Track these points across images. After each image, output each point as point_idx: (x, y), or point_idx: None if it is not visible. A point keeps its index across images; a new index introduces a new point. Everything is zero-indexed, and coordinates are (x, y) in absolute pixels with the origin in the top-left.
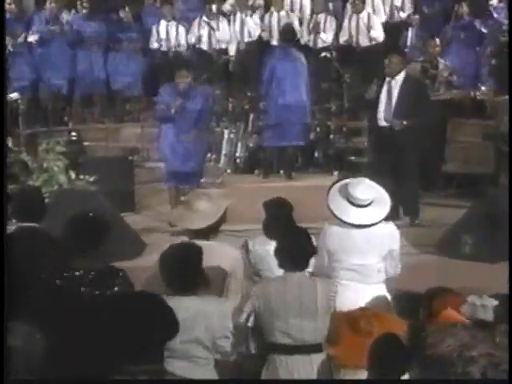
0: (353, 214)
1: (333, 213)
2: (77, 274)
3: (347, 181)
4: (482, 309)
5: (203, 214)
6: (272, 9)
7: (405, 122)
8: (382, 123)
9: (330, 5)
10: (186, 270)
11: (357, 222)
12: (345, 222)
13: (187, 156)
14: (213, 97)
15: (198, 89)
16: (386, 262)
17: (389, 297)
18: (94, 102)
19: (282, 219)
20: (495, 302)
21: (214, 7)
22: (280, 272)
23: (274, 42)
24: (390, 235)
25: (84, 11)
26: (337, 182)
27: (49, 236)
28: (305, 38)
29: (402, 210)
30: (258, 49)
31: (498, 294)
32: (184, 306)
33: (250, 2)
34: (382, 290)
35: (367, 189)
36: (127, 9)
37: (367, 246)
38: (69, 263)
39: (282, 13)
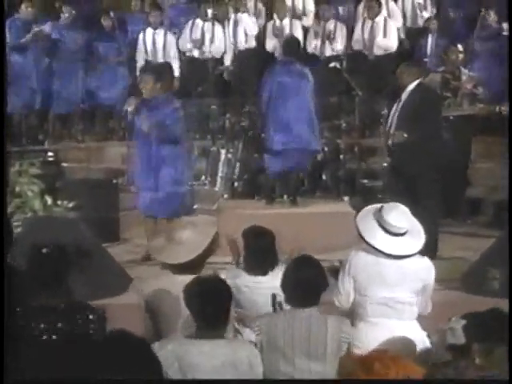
0: (387, 243)
1: (361, 235)
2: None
3: (380, 205)
4: (451, 332)
5: (187, 245)
6: (275, 16)
7: (405, 135)
8: (389, 142)
9: (340, 9)
10: (218, 308)
11: (393, 252)
12: (373, 247)
13: (160, 180)
14: (207, 112)
15: (168, 99)
16: (419, 297)
17: (424, 335)
18: (74, 118)
19: (262, 250)
20: (463, 322)
21: (209, 12)
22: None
23: (277, 54)
24: (425, 269)
25: (63, 18)
26: (353, 206)
27: (14, 270)
28: (312, 46)
29: None
30: (257, 57)
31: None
32: (213, 353)
33: (251, 10)
34: (414, 328)
35: (403, 216)
36: (112, 14)
37: (400, 279)
38: (32, 301)
39: (286, 21)
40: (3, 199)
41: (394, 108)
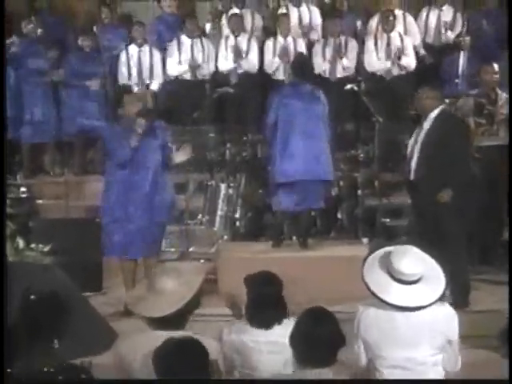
0: (397, 293)
1: (370, 289)
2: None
3: (389, 249)
4: None
5: (169, 296)
6: (278, 33)
7: (450, 192)
8: (411, 176)
9: (349, 24)
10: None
11: (403, 304)
12: (386, 303)
13: (142, 216)
14: (206, 141)
15: (155, 124)
16: (443, 354)
17: None
18: (49, 148)
19: (268, 300)
20: None
21: (207, 27)
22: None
23: (281, 76)
24: (446, 319)
25: (34, 35)
26: (373, 250)
27: None
28: (319, 66)
29: (449, 289)
30: (260, 79)
31: None
32: None
33: (249, 25)
34: None
35: (415, 260)
36: (94, 29)
37: (416, 334)
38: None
39: (289, 38)
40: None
41: (414, 137)
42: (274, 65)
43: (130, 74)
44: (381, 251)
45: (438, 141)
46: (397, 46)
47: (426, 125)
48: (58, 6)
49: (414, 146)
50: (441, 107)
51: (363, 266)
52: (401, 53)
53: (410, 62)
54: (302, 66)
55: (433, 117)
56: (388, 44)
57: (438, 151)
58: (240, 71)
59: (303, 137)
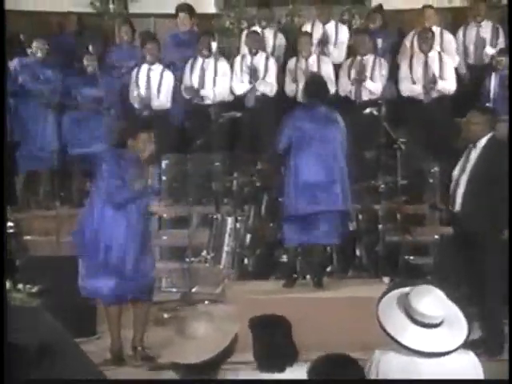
0: (416, 336)
1: (385, 331)
2: None
3: (407, 289)
4: None
5: (202, 342)
6: (299, 53)
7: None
8: (456, 208)
9: (379, 42)
10: None
11: (422, 349)
12: (403, 346)
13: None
14: (210, 170)
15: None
16: None
17: None
18: (41, 178)
19: (275, 343)
20: None
21: (213, 46)
22: None
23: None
24: (469, 369)
25: (36, 55)
26: (390, 289)
27: None
28: (344, 88)
29: (481, 334)
30: (275, 103)
31: None
32: None
33: (270, 44)
34: None
35: (437, 302)
36: (92, 49)
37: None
38: None
39: (312, 58)
40: None
41: (459, 168)
42: (293, 87)
43: (138, 96)
44: (396, 291)
45: (488, 174)
46: (435, 67)
47: (475, 154)
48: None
49: (460, 176)
50: (490, 134)
51: (378, 306)
52: (440, 75)
53: (449, 84)
54: (316, 86)
55: (482, 145)
56: (425, 65)
57: (489, 185)
58: (256, 94)
59: (317, 163)
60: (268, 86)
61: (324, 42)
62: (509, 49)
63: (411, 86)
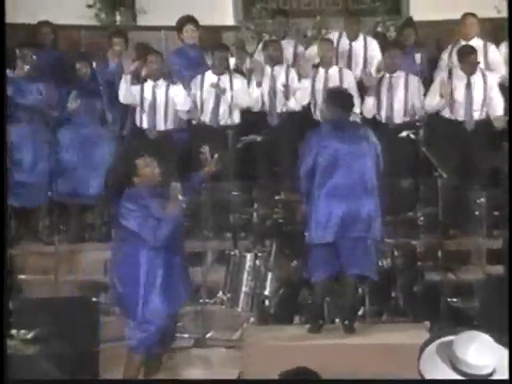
0: None
1: None
2: None
3: (450, 337)
4: None
5: None
6: (319, 64)
7: None
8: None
9: (418, 57)
10: None
11: None
12: None
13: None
14: (227, 201)
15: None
16: None
17: None
18: (37, 210)
19: None
20: None
21: (231, 61)
22: None
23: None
24: None
25: (23, 68)
26: (433, 338)
27: None
28: (370, 108)
29: None
30: (299, 124)
31: None
32: None
33: (290, 57)
34: None
35: (485, 349)
36: (94, 65)
37: None
38: None
39: (333, 70)
40: None
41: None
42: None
43: (143, 114)
44: (438, 340)
45: None
46: (478, 90)
47: None
48: (61, 39)
49: None
50: None
51: (420, 356)
52: (485, 97)
53: (494, 108)
54: (341, 97)
55: None
56: (467, 87)
57: None
58: (278, 111)
59: (347, 185)
60: (293, 101)
61: (350, 57)
62: (509, 49)
63: (435, 101)
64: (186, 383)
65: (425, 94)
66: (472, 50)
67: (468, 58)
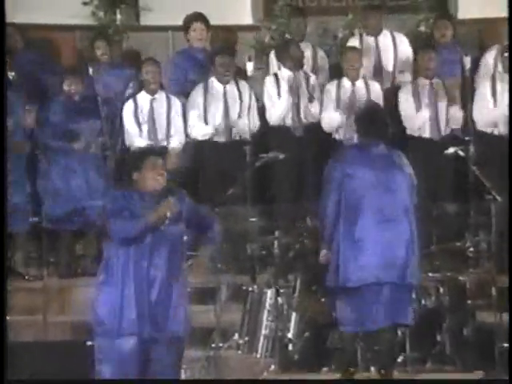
0: None
1: None
2: None
3: None
4: None
5: None
6: (344, 75)
7: None
8: None
9: (467, 60)
10: None
11: None
12: None
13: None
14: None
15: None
16: None
17: None
18: (23, 241)
19: None
20: None
21: (249, 67)
22: None
23: (341, 135)
24: None
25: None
26: None
27: None
28: (411, 120)
29: None
30: (324, 139)
31: None
32: None
33: (309, 64)
34: None
35: None
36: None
37: None
38: None
39: (359, 82)
40: None
41: None
42: (335, 120)
43: (139, 132)
44: None
45: None
46: None
47: None
48: (36, 42)
49: None
50: None
51: None
52: None
53: None
54: (372, 118)
55: None
56: None
57: None
58: (304, 121)
59: (378, 221)
60: (313, 115)
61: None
62: (509, 49)
63: (491, 116)
64: (186, 383)
65: (467, 104)
66: None
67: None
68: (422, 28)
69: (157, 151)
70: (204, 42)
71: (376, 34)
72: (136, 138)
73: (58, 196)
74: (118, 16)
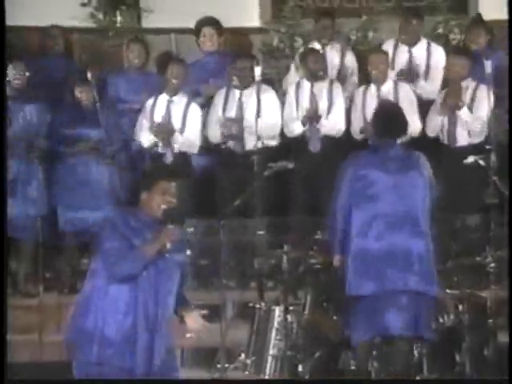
0: None
1: None
2: None
3: None
4: None
5: None
6: (372, 79)
7: None
8: None
9: (488, 65)
10: None
11: None
12: None
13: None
14: (251, 241)
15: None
16: None
17: None
18: (19, 252)
19: None
20: None
21: (256, 71)
22: None
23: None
24: None
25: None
26: None
27: None
28: (434, 126)
29: None
30: (341, 148)
31: None
32: None
33: (335, 67)
34: None
35: None
36: (90, 76)
37: None
38: None
39: (388, 85)
40: None
41: None
42: (361, 124)
43: (149, 132)
44: None
45: None
46: None
47: None
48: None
49: None
50: None
51: None
52: None
53: None
54: (389, 118)
55: None
56: None
57: None
58: (318, 135)
59: (392, 227)
60: (333, 125)
61: (410, 70)
62: (509, 50)
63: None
64: (186, 383)
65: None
66: None
67: None
68: (440, 30)
69: (173, 173)
70: (215, 47)
71: (412, 43)
72: (145, 137)
73: (67, 203)
74: (119, 18)
